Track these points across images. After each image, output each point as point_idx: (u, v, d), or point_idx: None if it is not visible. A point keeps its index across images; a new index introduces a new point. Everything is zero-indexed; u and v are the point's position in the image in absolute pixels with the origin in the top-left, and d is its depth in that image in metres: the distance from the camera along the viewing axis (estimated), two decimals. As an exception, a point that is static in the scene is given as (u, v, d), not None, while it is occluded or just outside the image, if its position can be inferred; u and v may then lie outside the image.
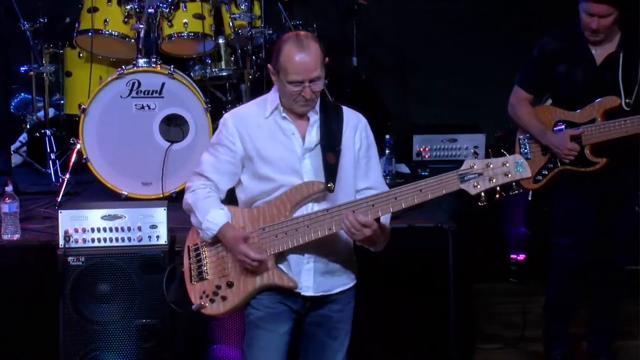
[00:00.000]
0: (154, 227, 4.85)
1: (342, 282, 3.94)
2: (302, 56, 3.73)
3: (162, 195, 5.72)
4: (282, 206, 3.81)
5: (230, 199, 3.99)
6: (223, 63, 6.44)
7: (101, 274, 4.74)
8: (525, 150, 5.02)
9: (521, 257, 6.31)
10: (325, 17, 6.86)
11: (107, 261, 4.74)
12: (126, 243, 4.82)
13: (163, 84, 5.78)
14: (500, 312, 5.86)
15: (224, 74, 6.42)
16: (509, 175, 3.57)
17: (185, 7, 6.15)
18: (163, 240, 4.84)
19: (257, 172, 3.85)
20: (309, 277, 3.85)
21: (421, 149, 6.41)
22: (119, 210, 4.87)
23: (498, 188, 3.59)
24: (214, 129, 6.00)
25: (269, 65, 3.87)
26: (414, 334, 5.06)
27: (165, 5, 6.12)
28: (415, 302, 5.04)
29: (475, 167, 3.60)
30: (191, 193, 3.96)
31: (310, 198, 3.81)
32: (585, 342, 5.28)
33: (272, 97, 3.91)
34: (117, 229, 4.83)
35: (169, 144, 5.82)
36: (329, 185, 3.78)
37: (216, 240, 3.90)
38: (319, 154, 3.83)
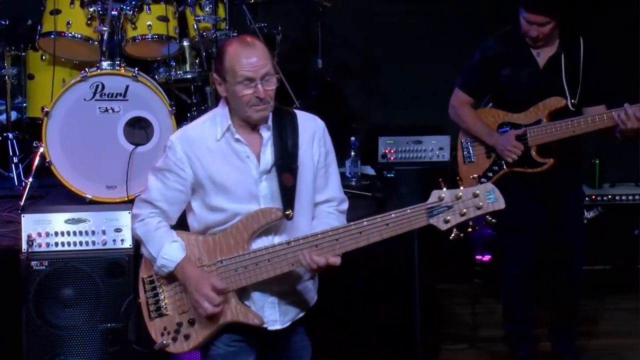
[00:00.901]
0: (118, 230, 4.82)
1: (306, 304, 3.81)
2: (249, 53, 3.54)
3: (127, 199, 5.69)
4: (239, 236, 3.60)
5: (182, 222, 3.81)
6: (188, 65, 6.41)
7: (65, 279, 4.69)
8: (468, 154, 5.06)
9: (486, 258, 6.34)
10: (289, 19, 6.85)
11: (71, 265, 4.70)
12: (90, 247, 4.78)
13: (127, 87, 5.74)
14: (465, 313, 5.89)
15: (189, 76, 6.40)
16: (482, 208, 3.38)
17: (149, 9, 6.12)
18: (128, 243, 4.81)
19: (210, 204, 3.64)
20: (274, 310, 3.69)
21: (386, 151, 6.42)
22: (83, 213, 4.83)
23: (470, 222, 3.41)
24: (179, 131, 6.02)
25: (214, 75, 3.67)
26: (380, 335, 5.07)
27: (128, 8, 6.09)
28: (381, 303, 5.05)
29: (444, 199, 3.39)
30: (140, 223, 3.76)
31: (268, 226, 3.60)
32: (549, 343, 5.33)
33: (221, 116, 3.67)
34: (81, 233, 4.79)
35: (134, 146, 5.78)
36: (287, 212, 3.58)
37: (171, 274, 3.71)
38: (274, 176, 3.63)
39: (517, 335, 5.20)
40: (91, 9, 6.01)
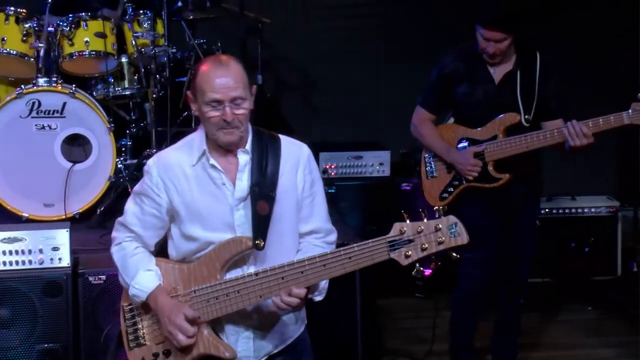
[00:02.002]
0: (55, 249, 4.74)
1: (285, 338, 3.62)
2: (220, 73, 3.38)
3: (64, 217, 5.64)
4: (211, 265, 3.46)
5: (162, 248, 3.68)
6: (126, 82, 6.37)
7: (1, 298, 4.60)
8: (431, 169, 5.09)
9: (428, 272, 6.35)
10: (229, 35, 6.84)
11: (7, 285, 4.61)
12: (27, 266, 4.70)
13: (64, 104, 5.69)
14: (406, 327, 5.91)
15: (127, 92, 6.35)
16: (443, 243, 3.22)
17: (87, 25, 6.07)
18: (66, 262, 4.74)
19: (185, 232, 3.50)
20: (248, 345, 3.53)
21: (327, 166, 6.43)
22: (19, 232, 4.75)
23: (434, 257, 3.27)
24: (117, 148, 5.98)
25: (187, 93, 3.52)
26: (321, 350, 5.05)
27: (65, 24, 6.04)
28: (322, 318, 5.04)
29: (405, 233, 3.23)
30: (116, 247, 3.63)
31: (240, 255, 3.45)
32: (490, 355, 5.36)
33: (198, 140, 3.51)
34: (17, 252, 4.70)
35: (72, 164, 5.73)
36: (257, 242, 3.41)
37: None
38: (249, 203, 3.46)
39: (460, 347, 5.24)
40: (27, 25, 5.95)
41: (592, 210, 6.68)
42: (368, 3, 7.52)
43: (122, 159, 6.14)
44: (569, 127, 4.68)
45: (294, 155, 3.55)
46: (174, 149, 3.59)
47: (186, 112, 6.56)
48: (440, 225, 3.22)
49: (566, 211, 6.67)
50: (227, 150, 3.49)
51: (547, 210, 6.64)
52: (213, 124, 3.40)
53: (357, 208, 6.25)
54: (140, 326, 3.60)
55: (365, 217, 6.18)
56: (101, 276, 4.68)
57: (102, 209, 5.81)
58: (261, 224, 3.44)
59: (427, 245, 3.22)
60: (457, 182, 5.01)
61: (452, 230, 3.22)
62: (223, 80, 3.38)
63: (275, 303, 3.38)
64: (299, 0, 7.45)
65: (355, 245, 3.32)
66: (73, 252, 4.80)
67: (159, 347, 3.56)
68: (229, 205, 3.46)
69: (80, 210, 5.77)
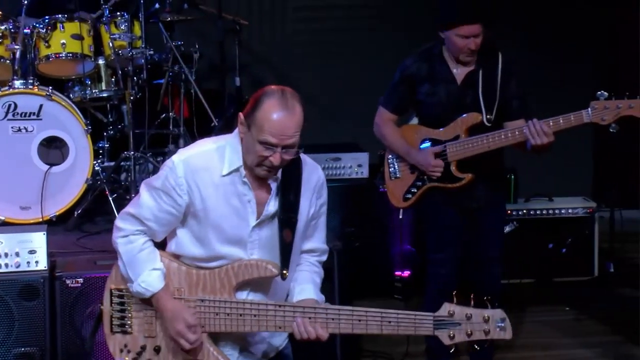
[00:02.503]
0: (32, 252, 4.71)
1: (275, 344, 3.66)
2: (284, 117, 3.29)
3: (41, 220, 5.61)
4: (226, 280, 3.45)
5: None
6: (103, 84, 6.35)
7: (-23, 302, 4.59)
8: (394, 170, 5.10)
9: (406, 273, 6.38)
10: (206, 37, 6.84)
11: (-17, 288, 4.59)
12: (3, 269, 4.66)
13: (41, 106, 5.67)
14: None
15: (105, 95, 6.32)
16: (489, 334, 3.32)
17: (63, 27, 6.04)
18: (43, 265, 4.71)
19: (197, 236, 3.47)
20: (234, 356, 3.55)
21: (305, 168, 6.42)
22: (-5, 235, 4.72)
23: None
24: (95, 150, 5.95)
25: (240, 115, 3.39)
26: (300, 352, 5.05)
27: (41, 26, 6.01)
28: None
29: (454, 315, 3.33)
30: (123, 239, 3.53)
31: (258, 279, 3.46)
32: (468, 356, 5.38)
33: (232, 151, 3.43)
34: (-7, 255, 4.68)
35: (48, 166, 5.70)
36: (283, 272, 3.44)
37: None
38: (271, 226, 3.47)
39: (435, 347, 5.23)
40: (2, 27, 5.92)
41: (569, 211, 6.71)
42: (346, 5, 7.53)
43: (99, 161, 6.12)
44: (530, 126, 4.69)
45: (313, 180, 3.56)
46: (203, 151, 3.49)
47: (164, 114, 6.55)
48: (489, 317, 3.33)
49: (543, 212, 6.70)
50: None
51: (524, 211, 6.67)
52: (258, 160, 3.35)
53: (336, 210, 6.20)
54: (128, 314, 3.57)
55: (343, 219, 6.17)
56: (78, 279, 4.65)
57: (79, 211, 5.79)
58: (286, 252, 3.46)
59: (471, 332, 3.33)
60: (420, 183, 5.02)
61: (500, 325, 3.33)
62: (284, 125, 3.30)
63: (297, 330, 3.41)
64: (278, 2, 7.45)
65: (399, 312, 3.38)
66: (50, 255, 4.77)
67: (148, 340, 3.56)
68: (249, 223, 3.45)
69: (58, 213, 5.74)
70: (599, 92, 4.64)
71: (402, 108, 5.09)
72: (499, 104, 4.87)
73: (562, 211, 6.71)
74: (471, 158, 4.86)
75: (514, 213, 6.64)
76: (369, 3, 7.48)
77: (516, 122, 4.86)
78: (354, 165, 6.47)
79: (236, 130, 3.46)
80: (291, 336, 3.64)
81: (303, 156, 3.55)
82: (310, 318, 3.40)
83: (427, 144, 4.99)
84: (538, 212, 6.70)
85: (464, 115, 4.88)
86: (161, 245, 3.62)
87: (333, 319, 3.39)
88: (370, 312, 3.39)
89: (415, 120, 5.13)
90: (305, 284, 3.60)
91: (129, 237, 3.53)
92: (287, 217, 3.46)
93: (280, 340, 3.69)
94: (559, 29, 7.59)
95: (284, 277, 3.46)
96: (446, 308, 3.35)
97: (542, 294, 6.45)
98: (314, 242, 3.66)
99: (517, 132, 4.76)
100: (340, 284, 5.00)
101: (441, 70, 4.91)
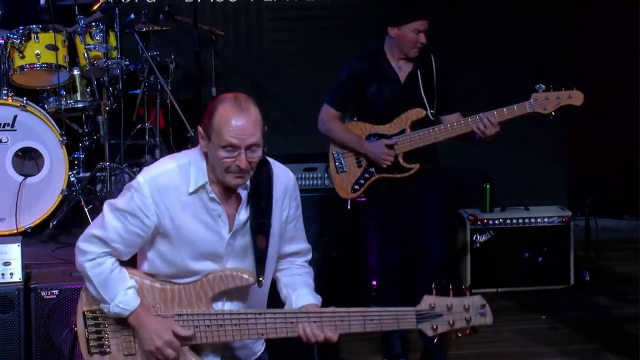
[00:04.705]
0: (7, 264, 4.67)
1: (254, 351, 3.65)
2: (240, 117, 3.29)
3: (16, 231, 5.58)
4: (202, 293, 3.43)
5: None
6: (79, 94, 6.33)
7: (-49, 315, 4.55)
8: (340, 164, 5.42)
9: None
10: (182, 47, 6.83)
11: (-43, 301, 4.56)
12: (-23, 282, 4.64)
13: (15, 117, 5.66)
14: (362, 337, 5.91)
15: (80, 105, 6.31)
16: (470, 321, 3.37)
17: (37, 37, 6.03)
18: (17, 277, 4.67)
19: (171, 256, 3.43)
20: None
21: (281, 179, 6.41)
22: (-32, 247, 4.69)
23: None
24: (70, 161, 5.93)
25: (199, 128, 3.39)
26: (278, 356, 5.04)
27: (15, 36, 5.99)
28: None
29: (435, 307, 3.38)
30: (91, 263, 3.44)
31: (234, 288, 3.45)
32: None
33: (197, 168, 3.41)
34: (-33, 267, 4.65)
35: (23, 177, 5.68)
36: (259, 279, 3.43)
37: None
38: (244, 235, 3.45)
39: (390, 332, 5.42)
40: (-24, 38, 5.89)
41: (545, 220, 6.75)
42: (321, 16, 7.54)
43: (74, 172, 6.10)
44: (477, 119, 5.08)
45: (283, 184, 3.53)
46: (167, 170, 3.44)
47: (140, 125, 6.53)
48: (469, 305, 3.38)
49: (519, 221, 6.73)
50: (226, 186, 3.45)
51: (500, 220, 6.70)
52: (224, 167, 3.33)
53: (312, 220, 6.23)
54: (105, 335, 3.52)
55: (319, 229, 6.17)
56: (54, 291, 4.62)
57: (54, 222, 5.76)
58: (261, 259, 3.46)
59: (453, 322, 3.38)
60: (367, 175, 5.36)
61: (480, 311, 3.39)
62: (242, 125, 3.30)
63: (304, 333, 3.42)
64: (253, 12, 7.45)
65: (381, 309, 3.44)
66: (25, 266, 4.74)
67: (128, 358, 3.51)
68: (222, 237, 3.43)
69: (33, 224, 5.72)
70: (538, 85, 5.04)
71: (347, 106, 5.44)
72: (437, 100, 5.27)
73: (538, 220, 6.74)
74: (416, 150, 5.23)
75: (489, 222, 6.67)
76: (345, 14, 7.50)
77: (452, 115, 5.28)
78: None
79: (198, 146, 3.45)
80: (267, 341, 3.66)
81: (272, 161, 3.55)
82: (291, 322, 3.41)
83: (373, 140, 5.31)
84: (514, 221, 6.73)
85: (409, 111, 5.25)
86: (130, 262, 3.56)
87: (315, 322, 3.42)
88: (352, 312, 3.43)
89: (354, 119, 5.44)
90: (300, 288, 3.60)
91: (97, 260, 3.45)
92: (259, 223, 3.44)
93: (260, 345, 3.68)
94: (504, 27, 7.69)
95: (260, 285, 3.45)
96: (427, 301, 3.39)
97: (519, 303, 6.47)
98: (297, 243, 3.65)
99: (462, 123, 5.17)
100: (317, 292, 4.99)
101: (386, 70, 5.30)
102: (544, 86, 5.04)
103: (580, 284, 6.69)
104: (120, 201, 3.43)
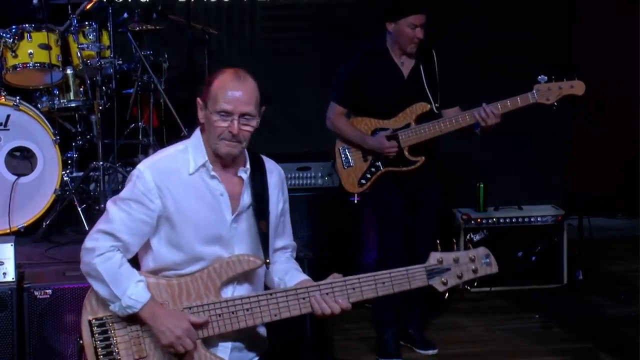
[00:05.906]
0: (0, 263, 4.66)
1: (259, 350, 3.67)
2: (236, 86, 3.43)
3: (9, 231, 5.57)
4: (210, 283, 3.46)
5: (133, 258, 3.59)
6: (72, 94, 6.32)
7: (-57, 315, 4.54)
8: (347, 159, 5.48)
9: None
10: (175, 47, 6.83)
11: (-50, 301, 4.55)
12: (-30, 281, 4.63)
13: (8, 116, 5.64)
14: (356, 337, 5.92)
15: (73, 105, 6.30)
16: (477, 272, 3.50)
17: (30, 37, 6.01)
18: (10, 277, 4.66)
19: (174, 240, 3.47)
20: (225, 354, 3.54)
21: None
22: (-39, 247, 4.67)
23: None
24: (63, 160, 5.92)
25: (198, 99, 3.54)
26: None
27: (8, 35, 5.98)
28: (273, 327, 5.03)
29: (443, 262, 3.48)
30: (100, 258, 3.44)
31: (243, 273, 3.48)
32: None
33: (195, 149, 3.52)
34: (-40, 267, 4.63)
35: (16, 177, 5.67)
36: (267, 261, 3.52)
37: (129, 316, 3.47)
38: (247, 219, 3.53)
39: (383, 319, 5.56)
40: (-32, 37, 5.88)
41: (539, 219, 6.76)
42: (315, 15, 7.54)
43: (68, 171, 6.09)
44: (481, 110, 5.13)
45: (276, 175, 3.66)
46: (167, 155, 3.56)
47: (133, 124, 6.52)
48: (474, 256, 3.50)
49: (513, 220, 6.74)
50: (226, 165, 3.52)
51: (494, 219, 6.70)
52: (218, 133, 3.44)
53: (306, 219, 6.25)
54: (113, 341, 3.49)
55: (313, 229, 6.18)
56: (47, 290, 4.61)
57: (47, 222, 5.75)
58: (265, 242, 3.54)
59: (462, 274, 3.48)
60: (374, 169, 5.43)
61: (485, 260, 3.52)
62: (238, 93, 3.44)
63: (319, 306, 3.45)
64: (247, 12, 7.44)
65: (392, 271, 3.50)
66: (18, 266, 4.73)
67: None
68: (225, 219, 3.49)
69: (26, 224, 5.70)
70: (540, 77, 5.11)
71: (352, 102, 5.48)
72: (440, 94, 5.33)
73: (532, 219, 6.75)
74: (421, 143, 5.29)
75: (483, 221, 6.68)
76: (338, 14, 7.49)
77: (453, 109, 5.34)
78: (324, 174, 6.49)
79: (194, 133, 3.56)
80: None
81: (263, 156, 3.67)
82: (303, 299, 3.45)
83: (378, 134, 5.36)
84: (507, 220, 6.74)
85: (414, 105, 5.32)
86: (133, 266, 3.56)
87: (327, 293, 3.45)
88: (362, 278, 3.50)
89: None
90: (291, 271, 3.65)
91: (106, 255, 3.46)
92: (261, 209, 3.54)
93: (264, 344, 3.72)
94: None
95: (268, 266, 3.55)
96: (434, 256, 3.49)
97: (512, 302, 6.48)
98: (285, 239, 3.74)
99: (467, 116, 5.22)
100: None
101: (389, 65, 5.35)
102: (545, 77, 5.09)
103: (573, 283, 6.71)
104: (123, 192, 3.51)
